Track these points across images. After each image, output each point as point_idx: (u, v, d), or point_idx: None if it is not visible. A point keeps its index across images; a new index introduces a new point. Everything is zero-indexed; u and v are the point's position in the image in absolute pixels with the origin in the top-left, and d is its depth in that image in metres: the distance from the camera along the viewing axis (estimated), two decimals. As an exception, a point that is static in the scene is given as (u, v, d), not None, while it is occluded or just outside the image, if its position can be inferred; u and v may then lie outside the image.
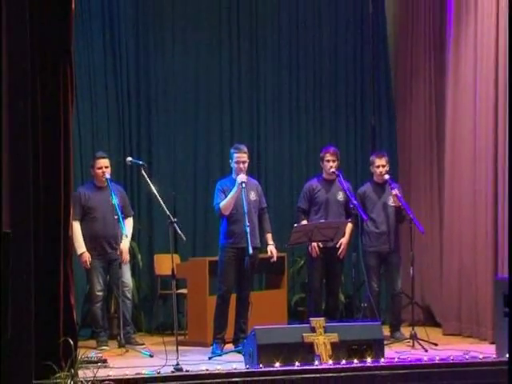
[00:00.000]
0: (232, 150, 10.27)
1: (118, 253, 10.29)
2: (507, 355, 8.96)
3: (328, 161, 10.72)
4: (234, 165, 10.15)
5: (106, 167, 10.30)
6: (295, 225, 10.58)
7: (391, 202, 10.77)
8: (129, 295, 10.44)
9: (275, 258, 10.43)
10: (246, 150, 10.26)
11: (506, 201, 10.52)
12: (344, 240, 10.69)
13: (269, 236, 10.38)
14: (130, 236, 10.49)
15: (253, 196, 10.17)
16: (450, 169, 11.65)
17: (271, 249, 10.35)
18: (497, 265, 10.66)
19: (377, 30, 12.92)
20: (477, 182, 11.08)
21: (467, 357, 9.24)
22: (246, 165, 10.18)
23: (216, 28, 12.30)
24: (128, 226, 10.40)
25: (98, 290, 10.23)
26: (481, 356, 9.21)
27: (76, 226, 9.89)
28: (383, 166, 10.81)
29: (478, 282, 10.92)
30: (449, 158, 11.66)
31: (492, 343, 9.86)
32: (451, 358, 9.14)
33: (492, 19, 10.76)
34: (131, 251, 10.83)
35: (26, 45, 7.86)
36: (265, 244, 10.36)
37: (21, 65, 7.85)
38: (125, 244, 10.38)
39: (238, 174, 10.04)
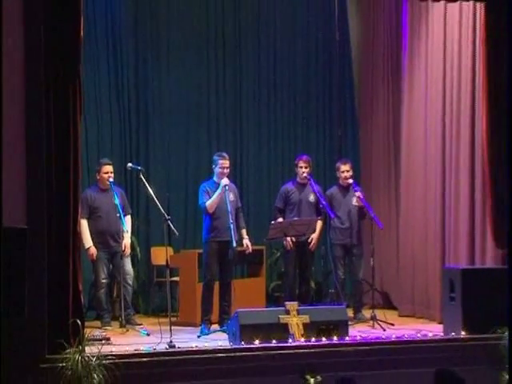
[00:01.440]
0: (216, 157, 10.27)
1: (123, 246, 10.27)
2: (451, 334, 9.16)
3: (301, 167, 10.73)
4: (217, 169, 10.14)
5: (111, 172, 10.27)
6: (272, 222, 10.60)
7: (354, 202, 10.78)
8: (130, 282, 10.40)
9: (250, 250, 10.45)
10: (228, 157, 10.27)
11: (452, 201, 10.63)
12: (314, 235, 10.70)
13: (243, 231, 10.39)
14: (130, 231, 10.46)
15: (232, 197, 10.14)
16: (405, 173, 11.68)
17: (246, 242, 10.37)
18: (444, 255, 10.74)
19: (343, 55, 12.87)
20: (427, 184, 11.13)
21: (419, 335, 9.36)
22: (228, 170, 10.20)
23: (204, 50, 12.26)
24: (127, 222, 10.35)
25: (102, 278, 10.19)
26: (430, 334, 9.36)
27: (84, 223, 9.82)
28: (347, 172, 10.83)
29: (429, 270, 10.98)
30: (404, 164, 11.69)
31: (440, 323, 9.93)
32: (405, 336, 9.29)
33: (440, 45, 10.81)
34: (131, 244, 10.80)
35: (40, 66, 7.88)
36: (240, 238, 10.33)
37: (36, 83, 7.87)
38: (127, 239, 10.36)
39: (221, 178, 10.05)
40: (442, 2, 10.02)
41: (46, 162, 7.92)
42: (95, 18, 11.48)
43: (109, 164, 10.35)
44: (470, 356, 8.61)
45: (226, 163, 10.18)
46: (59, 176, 8.02)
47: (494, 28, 9.56)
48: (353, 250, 10.85)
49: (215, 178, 10.17)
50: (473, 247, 10.26)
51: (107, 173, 10.24)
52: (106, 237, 10.21)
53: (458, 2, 9.94)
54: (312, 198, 10.74)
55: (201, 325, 9.94)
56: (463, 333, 9.10)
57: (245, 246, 10.37)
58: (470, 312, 9.14)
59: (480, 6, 9.76)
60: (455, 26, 10.47)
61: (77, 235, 8.28)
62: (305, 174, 10.69)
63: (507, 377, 8.49)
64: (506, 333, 8.60)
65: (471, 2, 9.89)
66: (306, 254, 10.73)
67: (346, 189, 10.89)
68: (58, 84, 7.99)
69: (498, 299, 8.93)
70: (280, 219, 10.68)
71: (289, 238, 10.54)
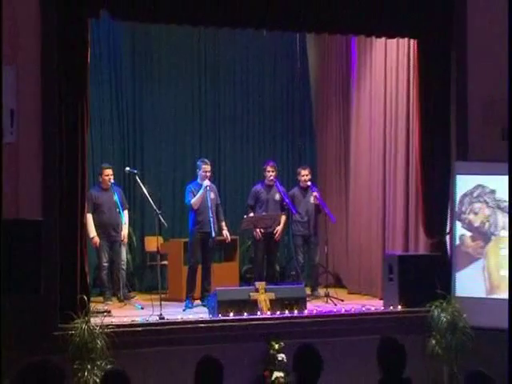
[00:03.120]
0: (199, 163, 10.30)
1: (121, 236, 10.29)
2: (390, 308, 9.24)
3: (268, 171, 10.73)
4: (200, 173, 10.16)
5: (111, 175, 10.26)
6: (245, 216, 10.63)
7: (312, 200, 10.81)
8: (124, 267, 10.38)
9: (229, 239, 10.50)
10: (209, 162, 10.31)
11: (391, 200, 10.65)
12: (279, 227, 10.69)
13: (223, 224, 10.41)
14: (127, 223, 10.45)
15: (212, 196, 10.18)
16: (353, 177, 11.71)
17: (226, 233, 10.40)
18: (385, 244, 10.77)
19: (303, 79, 12.88)
20: (371, 185, 11.16)
21: (364, 308, 9.42)
22: (210, 173, 10.23)
23: (190, 77, 12.21)
24: (125, 216, 10.36)
25: (104, 262, 10.18)
26: (373, 308, 9.40)
27: (89, 217, 9.79)
28: (306, 176, 10.84)
29: (372, 256, 11.03)
30: (352, 169, 11.72)
31: (381, 299, 10.01)
32: (353, 309, 9.34)
33: (381, 72, 10.82)
34: (128, 234, 10.78)
35: (55, 88, 7.94)
36: (220, 230, 10.37)
37: (52, 103, 7.92)
38: (125, 230, 10.38)
39: (203, 180, 10.09)
40: (383, 38, 10.04)
41: (58, 166, 7.97)
42: (100, 50, 11.40)
43: (109, 168, 10.35)
44: (405, 325, 8.63)
45: (208, 168, 10.22)
46: (69, 177, 8.06)
47: (425, 59, 9.54)
48: (310, 240, 10.85)
49: (199, 180, 10.20)
50: (407, 237, 10.28)
51: (108, 175, 10.24)
52: (108, 228, 10.21)
53: (396, 38, 9.93)
54: (277, 197, 10.74)
55: (186, 300, 9.94)
56: (399, 307, 9.15)
57: (224, 236, 10.41)
58: (405, 290, 9.18)
59: (414, 42, 9.75)
60: (393, 56, 10.47)
61: (83, 227, 8.33)
62: (272, 177, 10.69)
63: (433, 342, 8.64)
64: (433, 307, 8.70)
65: (406, 39, 9.88)
66: (272, 242, 10.73)
67: (305, 189, 10.91)
68: (69, 103, 8.04)
69: (427, 280, 9.03)
70: (251, 214, 10.70)
71: (258, 230, 10.55)
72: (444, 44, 9.46)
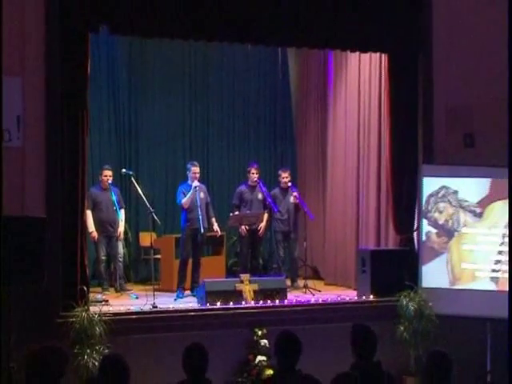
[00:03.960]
0: (189, 165, 10.30)
1: (118, 232, 10.26)
2: (362, 297, 9.25)
3: (253, 173, 10.75)
4: (190, 174, 10.16)
5: (110, 176, 10.23)
6: (231, 214, 10.64)
7: (292, 200, 10.82)
8: (121, 260, 10.36)
9: (219, 233, 10.53)
10: (198, 165, 10.31)
11: (364, 200, 10.66)
12: (262, 224, 10.72)
13: (213, 220, 10.41)
14: (123, 220, 10.43)
15: (202, 195, 10.18)
16: (330, 178, 11.74)
17: (216, 228, 10.41)
18: (358, 240, 10.77)
19: (285, 89, 12.90)
20: (346, 187, 11.16)
21: (339, 298, 9.37)
22: (199, 175, 10.24)
23: (181, 87, 12.23)
24: (122, 214, 10.34)
25: (102, 256, 10.15)
26: (347, 298, 9.39)
27: (89, 214, 9.78)
28: (286, 177, 10.85)
29: (347, 250, 11.02)
30: (329, 172, 11.75)
31: (354, 289, 9.98)
32: (329, 299, 9.33)
33: (356, 84, 10.85)
34: (125, 230, 10.77)
35: (57, 97, 7.93)
36: (211, 225, 10.38)
37: (55, 111, 7.91)
38: (121, 227, 10.34)
39: (193, 181, 10.09)
40: (357, 52, 10.06)
41: (60, 168, 7.95)
42: (99, 63, 11.39)
43: (109, 169, 10.32)
44: (376, 313, 8.61)
45: (197, 170, 10.21)
46: (70, 179, 8.05)
47: (394, 72, 9.57)
48: (290, 236, 10.86)
49: (189, 181, 10.18)
50: (379, 234, 10.30)
51: (106, 176, 10.21)
52: (105, 224, 10.18)
53: (369, 53, 9.96)
54: (260, 196, 10.75)
55: (177, 291, 9.94)
56: (371, 297, 9.14)
57: (215, 230, 10.41)
58: (376, 281, 9.19)
59: (384, 56, 9.77)
60: (367, 69, 10.48)
61: (83, 223, 8.32)
62: (255, 179, 10.73)
63: (402, 328, 8.64)
64: (402, 297, 8.71)
65: (378, 53, 9.90)
66: (256, 238, 10.74)
67: (285, 190, 10.91)
68: (71, 111, 8.02)
69: (396, 272, 9.09)
70: (236, 212, 10.69)
71: (243, 226, 10.58)
72: (411, 58, 9.49)
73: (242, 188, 10.87)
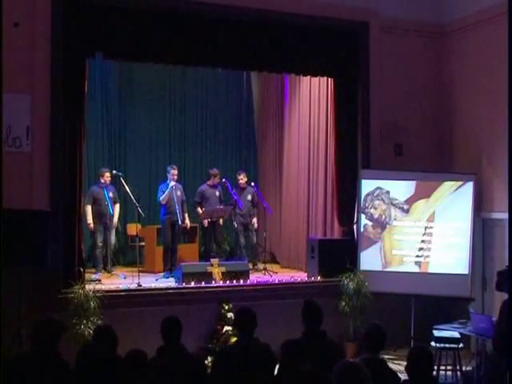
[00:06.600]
0: (169, 168, 10.27)
1: (114, 223, 10.22)
2: (312, 278, 9.28)
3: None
4: (169, 176, 10.12)
5: (108, 177, 10.08)
6: (203, 209, 10.45)
7: (249, 197, 10.74)
8: (112, 247, 10.31)
9: (189, 226, 10.35)
10: (176, 168, 10.30)
11: (314, 197, 10.60)
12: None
13: (186, 215, 10.30)
14: (117, 213, 10.31)
15: (179, 193, 10.14)
16: (285, 179, 11.70)
17: (187, 222, 10.29)
18: (308, 230, 10.73)
19: (249, 107, 12.89)
20: (299, 186, 11.13)
21: (292, 279, 9.37)
22: (177, 176, 10.21)
23: (162, 102, 12.14)
24: (116, 207, 10.26)
25: (99, 242, 9.96)
26: (299, 279, 9.39)
27: (88, 208, 9.74)
28: (242, 179, 10.79)
29: (299, 239, 10.98)
30: (285, 173, 11.73)
31: (305, 272, 9.91)
32: (284, 279, 9.29)
33: (307, 103, 10.80)
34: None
35: (60, 111, 7.89)
36: (184, 218, 10.28)
37: (57, 122, 7.87)
38: (115, 219, 10.26)
39: (171, 181, 10.09)
40: (308, 76, 10.12)
41: (62, 169, 7.92)
42: (94, 81, 11.29)
43: (107, 171, 10.17)
44: (323, 291, 8.66)
45: (175, 172, 10.19)
46: (70, 178, 8.02)
47: (338, 93, 9.64)
48: (248, 227, 10.76)
49: (168, 181, 10.16)
50: (325, 225, 10.28)
51: (104, 176, 10.08)
52: (103, 217, 9.99)
53: (318, 77, 10.02)
54: (217, 193, 10.58)
55: (164, 272, 9.85)
56: (319, 278, 9.17)
57: (185, 224, 10.28)
58: (323, 265, 9.22)
59: (331, 80, 9.84)
60: (316, 90, 10.48)
61: (81, 215, 8.30)
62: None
63: (343, 303, 8.70)
64: (344, 277, 8.76)
65: (325, 78, 9.96)
66: (216, 228, 10.57)
67: (242, 189, 10.82)
68: (70, 122, 8.00)
69: (339, 257, 9.09)
70: (200, 209, 10.46)
71: (206, 220, 10.39)
72: (353, 82, 9.60)
73: (203, 187, 10.64)
